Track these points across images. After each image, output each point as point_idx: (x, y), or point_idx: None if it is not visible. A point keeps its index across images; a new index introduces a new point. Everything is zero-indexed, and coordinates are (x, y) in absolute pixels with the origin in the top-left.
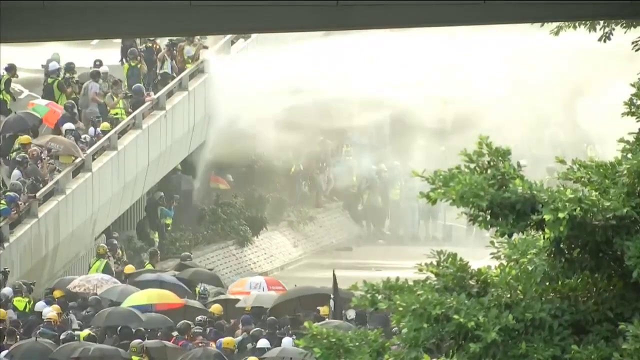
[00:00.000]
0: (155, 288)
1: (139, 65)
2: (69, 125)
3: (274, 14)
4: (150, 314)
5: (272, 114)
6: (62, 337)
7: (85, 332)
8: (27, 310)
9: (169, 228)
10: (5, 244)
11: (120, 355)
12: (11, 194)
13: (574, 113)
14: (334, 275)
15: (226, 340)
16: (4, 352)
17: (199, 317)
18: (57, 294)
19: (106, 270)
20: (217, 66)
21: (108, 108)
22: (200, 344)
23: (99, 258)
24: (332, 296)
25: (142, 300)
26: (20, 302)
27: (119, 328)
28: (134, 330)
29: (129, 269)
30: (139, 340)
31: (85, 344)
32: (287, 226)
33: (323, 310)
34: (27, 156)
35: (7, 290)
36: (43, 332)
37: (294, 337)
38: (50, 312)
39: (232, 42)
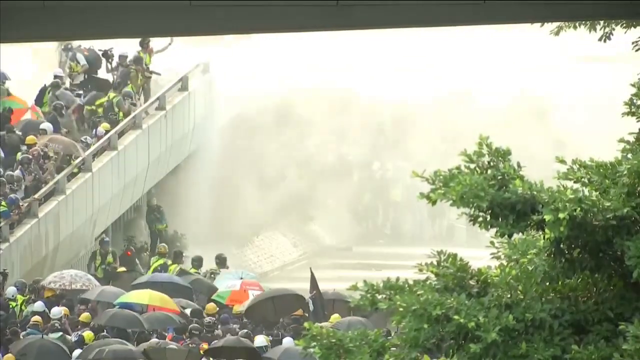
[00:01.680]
0: (159, 289)
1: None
2: (44, 125)
3: (274, 14)
4: (155, 313)
5: (272, 112)
6: (74, 339)
7: (89, 333)
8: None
9: (157, 230)
10: (5, 244)
11: (134, 357)
12: (12, 196)
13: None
14: (312, 274)
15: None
16: (16, 349)
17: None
18: (47, 293)
19: (166, 269)
20: (219, 66)
21: (116, 109)
22: (191, 345)
23: (160, 257)
24: (310, 295)
25: (142, 300)
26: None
27: (114, 329)
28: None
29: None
30: (157, 341)
31: (101, 343)
32: (287, 226)
33: (300, 312)
34: (30, 156)
35: (11, 289)
36: (30, 333)
37: (271, 337)
38: (60, 313)
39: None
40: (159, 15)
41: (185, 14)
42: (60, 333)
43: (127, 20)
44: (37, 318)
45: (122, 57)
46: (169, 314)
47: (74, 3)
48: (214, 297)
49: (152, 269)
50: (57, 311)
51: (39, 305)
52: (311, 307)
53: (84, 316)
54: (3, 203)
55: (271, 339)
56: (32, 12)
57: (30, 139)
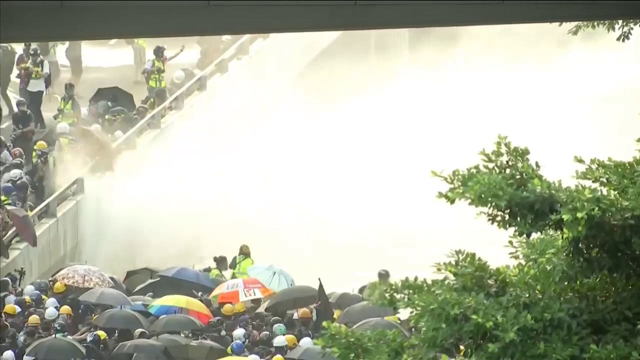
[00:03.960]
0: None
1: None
2: (61, 126)
3: (292, 13)
4: (176, 315)
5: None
6: (89, 338)
7: (103, 332)
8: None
9: None
10: (24, 244)
11: (155, 351)
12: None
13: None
14: (320, 284)
15: (288, 337)
16: (28, 349)
17: (211, 320)
18: (59, 287)
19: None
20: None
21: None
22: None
23: (246, 257)
24: (315, 305)
25: (180, 303)
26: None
27: (119, 330)
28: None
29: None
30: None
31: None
32: (301, 225)
33: (303, 312)
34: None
35: (29, 288)
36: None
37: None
38: (55, 314)
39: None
40: (176, 14)
41: (204, 14)
42: (65, 332)
43: (145, 20)
44: (34, 319)
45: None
46: (191, 317)
47: (91, 3)
48: (211, 296)
49: (240, 269)
50: (52, 312)
51: (50, 302)
52: (314, 318)
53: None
54: (3, 197)
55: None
56: (50, 12)
57: (40, 144)
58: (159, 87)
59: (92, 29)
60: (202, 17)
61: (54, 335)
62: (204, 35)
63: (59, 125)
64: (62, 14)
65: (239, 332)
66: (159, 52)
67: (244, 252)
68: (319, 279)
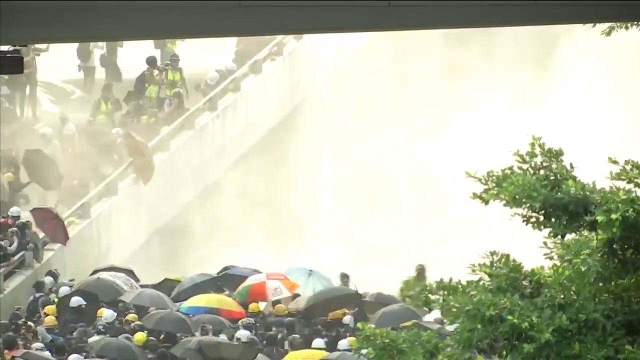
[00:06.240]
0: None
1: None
2: (44, 130)
3: (324, 14)
4: (207, 315)
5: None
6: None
7: (141, 335)
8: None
9: None
10: (58, 245)
11: (220, 348)
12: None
13: None
14: (356, 290)
15: (350, 340)
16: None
17: (244, 320)
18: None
19: None
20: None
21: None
22: None
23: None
24: (352, 312)
25: (211, 304)
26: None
27: (165, 332)
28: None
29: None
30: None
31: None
32: (335, 225)
33: (335, 314)
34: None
35: (64, 289)
36: (45, 335)
37: (326, 339)
38: (112, 316)
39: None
40: (206, 15)
41: (234, 14)
42: (107, 334)
43: (175, 20)
44: (50, 320)
45: None
46: (221, 318)
47: (119, 3)
48: (234, 294)
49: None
50: (110, 314)
51: (75, 301)
52: (352, 325)
53: (131, 317)
54: None
55: (326, 339)
56: (56, 12)
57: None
58: (158, 97)
59: (118, 29)
60: (233, 18)
61: (124, 336)
62: (234, 36)
63: (42, 129)
64: (72, 14)
65: (242, 332)
66: (173, 61)
67: (419, 273)
68: (355, 285)
